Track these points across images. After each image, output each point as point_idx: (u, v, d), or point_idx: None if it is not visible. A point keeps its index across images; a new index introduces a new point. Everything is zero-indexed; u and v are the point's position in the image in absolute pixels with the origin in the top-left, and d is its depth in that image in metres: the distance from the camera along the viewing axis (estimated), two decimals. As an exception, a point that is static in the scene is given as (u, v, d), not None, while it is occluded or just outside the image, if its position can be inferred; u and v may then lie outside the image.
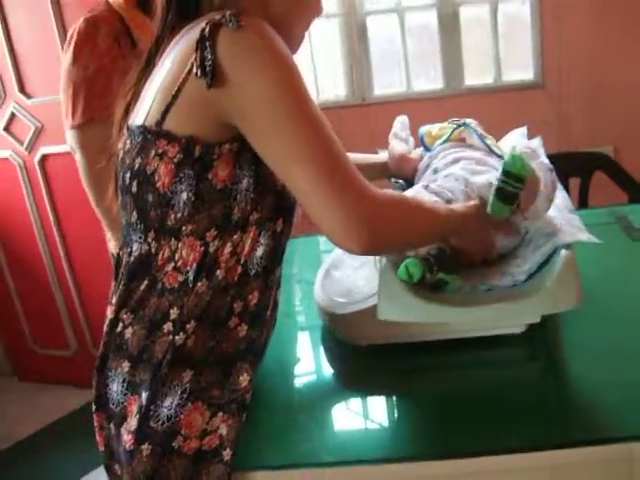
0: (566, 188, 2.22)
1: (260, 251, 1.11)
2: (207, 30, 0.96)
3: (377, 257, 1.36)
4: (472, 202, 1.19)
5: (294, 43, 1.16)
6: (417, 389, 1.24)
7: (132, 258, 1.10)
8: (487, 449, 1.05)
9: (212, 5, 1.06)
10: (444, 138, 1.47)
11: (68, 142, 2.13)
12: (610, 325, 1.31)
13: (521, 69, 3.27)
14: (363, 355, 1.33)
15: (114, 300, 1.13)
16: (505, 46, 3.25)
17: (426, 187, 1.27)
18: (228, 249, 1.08)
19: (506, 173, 1.13)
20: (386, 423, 1.19)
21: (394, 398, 1.24)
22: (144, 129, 1.05)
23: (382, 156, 1.60)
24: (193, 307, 1.06)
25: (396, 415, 1.21)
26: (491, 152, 1.42)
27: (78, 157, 2.10)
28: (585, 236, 1.16)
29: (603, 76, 3.15)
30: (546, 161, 1.42)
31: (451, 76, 3.28)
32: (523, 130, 1.61)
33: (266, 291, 1.13)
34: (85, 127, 2.04)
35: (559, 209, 1.29)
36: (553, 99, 3.15)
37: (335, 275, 1.49)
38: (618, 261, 1.54)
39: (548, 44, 3.16)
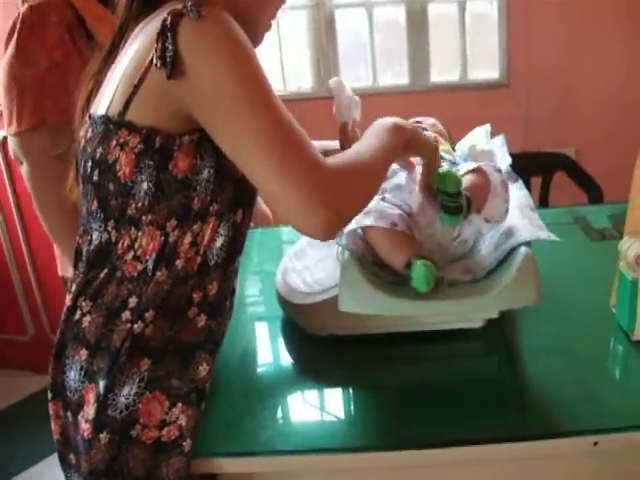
0: (528, 187, 2.25)
1: (220, 242, 1.12)
2: (168, 20, 0.96)
3: (339, 249, 1.37)
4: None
5: (259, 33, 1.17)
6: (376, 380, 1.25)
7: (92, 247, 1.10)
8: (444, 441, 1.07)
9: None
10: None
11: (12, 150, 1.79)
12: (566, 323, 1.34)
13: (487, 68, 3.30)
14: (323, 345, 1.34)
15: (73, 288, 1.13)
16: (472, 44, 3.28)
17: (382, 199, 1.29)
18: (188, 239, 1.08)
19: (442, 192, 1.18)
20: (344, 413, 1.20)
21: (353, 388, 1.25)
22: (106, 119, 1.05)
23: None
24: (152, 296, 1.06)
25: (354, 405, 1.22)
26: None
27: (25, 168, 1.76)
28: (545, 234, 1.18)
29: (568, 78, 3.20)
30: (506, 160, 1.45)
31: (417, 72, 3.30)
32: (487, 127, 1.63)
33: (225, 281, 1.14)
34: (34, 133, 1.71)
35: (520, 207, 1.31)
36: (518, 99, 3.18)
37: (297, 266, 1.50)
38: (576, 260, 1.57)
39: (515, 44, 3.19)
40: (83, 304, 1.10)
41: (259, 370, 1.35)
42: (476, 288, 1.17)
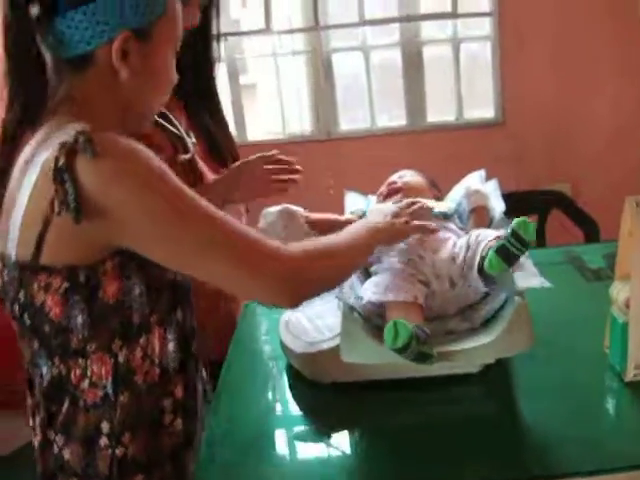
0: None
1: (171, 346, 1.14)
2: (62, 162, 0.94)
3: (340, 299, 1.41)
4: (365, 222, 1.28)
5: (149, 119, 1.19)
6: (377, 424, 1.28)
7: (45, 381, 1.09)
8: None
9: (57, 97, 1.06)
10: None
11: None
12: (561, 365, 1.36)
13: (482, 107, 3.37)
14: (325, 391, 1.36)
15: (37, 420, 1.12)
16: (467, 84, 3.34)
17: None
18: (139, 354, 1.09)
19: (515, 235, 1.17)
20: (347, 456, 1.23)
21: (355, 432, 1.28)
22: (19, 265, 1.03)
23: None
24: (123, 420, 1.08)
25: (357, 449, 1.24)
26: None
27: None
28: (538, 282, 1.22)
29: (562, 114, 3.26)
30: (499, 205, 1.51)
31: (414, 113, 3.36)
32: (481, 173, 1.67)
33: (190, 380, 1.18)
34: None
35: None
36: (512, 137, 3.24)
37: (299, 315, 1.52)
38: (571, 301, 1.59)
39: (508, 83, 3.26)
40: (56, 438, 1.09)
41: (263, 415, 1.37)
42: (473, 337, 1.21)
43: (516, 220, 1.18)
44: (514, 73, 3.24)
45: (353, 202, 1.70)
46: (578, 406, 1.25)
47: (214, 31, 1.65)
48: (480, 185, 1.60)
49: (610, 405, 1.30)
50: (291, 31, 3.24)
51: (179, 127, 1.60)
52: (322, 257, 1.12)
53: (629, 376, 1.27)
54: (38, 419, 1.12)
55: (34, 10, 1.01)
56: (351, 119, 3.42)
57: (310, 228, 1.60)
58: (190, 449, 1.15)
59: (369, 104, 3.37)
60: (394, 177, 1.68)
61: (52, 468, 1.11)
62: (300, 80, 3.34)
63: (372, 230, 1.23)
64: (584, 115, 3.25)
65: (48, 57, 1.05)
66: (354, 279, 1.36)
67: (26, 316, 1.06)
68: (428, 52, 3.32)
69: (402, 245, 1.37)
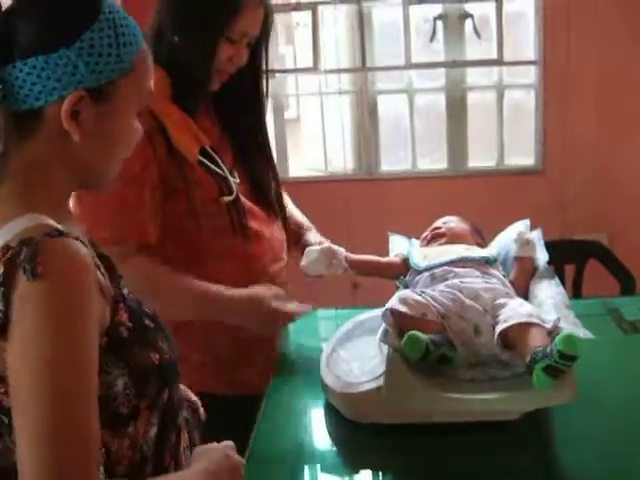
0: (562, 275, 2.32)
1: (153, 431, 1.06)
2: (2, 273, 0.87)
3: (385, 342, 1.45)
4: None
5: (106, 181, 1.06)
6: (413, 467, 1.30)
7: None
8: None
9: (9, 158, 0.97)
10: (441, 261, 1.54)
11: None
12: (599, 416, 1.37)
13: (523, 154, 3.40)
14: (363, 431, 1.38)
15: None
16: (509, 131, 3.37)
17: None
18: (126, 444, 1.01)
19: (561, 354, 1.17)
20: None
21: (390, 474, 1.31)
22: None
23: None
24: None
25: None
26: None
27: None
28: (581, 332, 1.24)
29: (602, 164, 3.27)
30: (544, 256, 1.54)
31: (455, 157, 3.40)
32: (526, 222, 1.71)
33: (163, 460, 1.09)
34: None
35: (556, 305, 1.38)
36: (552, 185, 3.26)
37: (341, 354, 1.55)
38: (609, 353, 1.59)
39: (550, 131, 3.28)
40: None
41: (302, 454, 1.39)
42: (514, 384, 1.23)
43: (561, 338, 1.18)
44: (556, 122, 3.26)
45: (397, 244, 1.74)
46: (617, 459, 1.26)
47: (263, 68, 1.66)
48: (531, 235, 1.63)
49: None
50: (338, 71, 3.28)
51: (223, 167, 1.59)
52: None
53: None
54: None
55: None
56: (393, 160, 3.47)
57: (351, 267, 1.65)
58: None
59: (411, 146, 3.41)
60: (439, 222, 1.72)
61: None
62: (345, 119, 3.38)
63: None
64: (624, 165, 3.27)
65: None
66: None
67: (2, 416, 0.94)
68: (472, 98, 3.36)
69: (442, 286, 1.43)
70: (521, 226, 1.70)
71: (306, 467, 1.36)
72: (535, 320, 1.27)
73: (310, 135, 3.44)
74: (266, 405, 1.51)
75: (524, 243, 1.59)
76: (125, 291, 1.04)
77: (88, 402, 0.90)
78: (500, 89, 3.33)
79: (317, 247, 1.64)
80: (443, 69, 3.30)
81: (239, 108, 1.68)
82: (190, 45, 1.51)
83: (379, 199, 3.35)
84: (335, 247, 1.63)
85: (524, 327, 1.26)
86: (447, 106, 3.35)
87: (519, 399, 1.22)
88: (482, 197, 3.21)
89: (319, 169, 3.39)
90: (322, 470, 1.34)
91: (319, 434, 1.45)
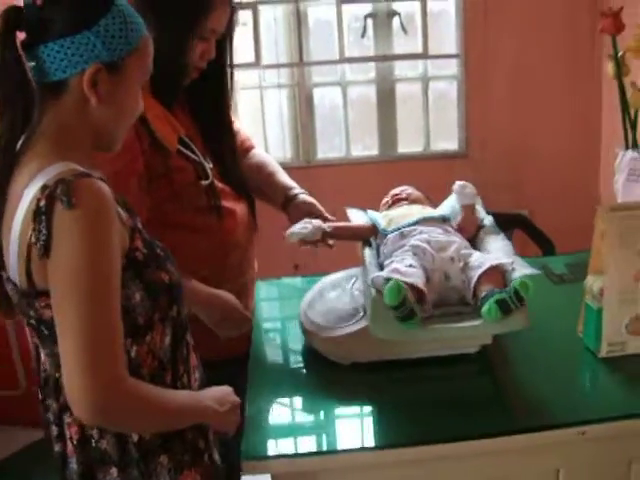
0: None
1: (167, 340, 1.27)
2: (42, 204, 1.07)
3: (355, 289, 1.66)
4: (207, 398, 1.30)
5: (117, 142, 1.27)
6: (391, 395, 1.51)
7: None
8: (451, 436, 1.36)
9: (40, 121, 1.17)
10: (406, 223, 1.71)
11: None
12: (544, 349, 1.64)
13: (447, 140, 3.58)
14: (343, 370, 1.59)
15: (67, 420, 1.23)
16: (434, 119, 3.55)
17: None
18: (144, 350, 1.22)
19: (516, 293, 1.40)
20: (367, 422, 1.48)
21: (371, 402, 1.51)
22: (21, 291, 1.16)
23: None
24: None
25: (376, 415, 1.48)
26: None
27: None
28: (531, 270, 1.47)
29: (520, 148, 3.50)
30: (488, 216, 1.77)
31: (386, 144, 3.57)
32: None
33: (178, 367, 1.30)
34: None
35: (507, 254, 1.60)
36: (475, 167, 3.42)
37: (317, 307, 1.74)
38: (544, 299, 1.76)
39: (472, 118, 3.49)
40: (93, 433, 1.21)
41: (292, 391, 1.60)
42: (478, 316, 1.46)
43: (519, 280, 1.40)
44: (476, 109, 3.46)
45: (355, 215, 1.88)
46: (564, 376, 1.53)
47: (227, 62, 1.77)
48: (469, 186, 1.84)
49: (587, 375, 1.58)
50: (277, 66, 3.41)
51: (198, 154, 1.73)
52: (151, 407, 1.16)
53: (603, 353, 1.55)
54: (70, 418, 1.22)
55: (21, 36, 1.15)
56: (328, 148, 3.59)
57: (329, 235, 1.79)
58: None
59: (345, 135, 3.55)
60: (396, 190, 1.93)
61: (91, 462, 1.23)
62: (283, 111, 3.51)
63: (207, 410, 1.27)
64: (539, 149, 3.50)
65: (33, 80, 1.16)
66: (373, 268, 1.59)
67: (42, 327, 1.18)
68: (400, 89, 3.52)
69: (412, 241, 1.62)
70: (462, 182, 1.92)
71: (301, 402, 1.56)
72: (503, 261, 1.49)
73: (248, 127, 3.55)
74: (252, 361, 1.67)
75: (463, 191, 1.79)
76: (140, 225, 1.26)
77: (115, 303, 1.11)
78: (425, 80, 3.51)
79: (308, 224, 1.73)
80: (373, 63, 3.46)
81: (206, 99, 1.79)
82: (166, 44, 1.54)
83: (317, 185, 3.36)
84: (319, 223, 1.74)
85: (492, 270, 1.48)
86: (377, 97, 3.51)
87: (484, 326, 1.44)
88: (411, 180, 3.30)
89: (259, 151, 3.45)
90: (316, 402, 1.53)
91: (305, 377, 1.63)
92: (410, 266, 1.51)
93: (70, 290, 1.08)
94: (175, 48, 1.61)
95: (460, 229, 1.72)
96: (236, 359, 1.72)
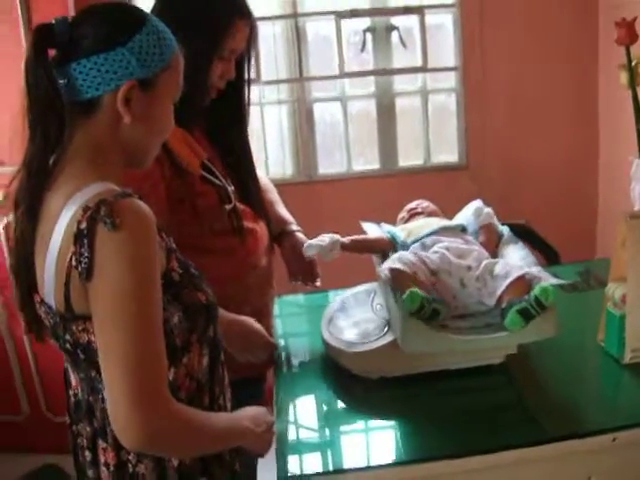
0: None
1: (205, 360, 1.26)
2: (84, 226, 1.05)
3: (376, 304, 1.67)
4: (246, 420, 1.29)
5: (148, 159, 1.27)
6: (419, 409, 1.52)
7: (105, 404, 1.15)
8: (482, 449, 1.36)
9: (72, 141, 1.16)
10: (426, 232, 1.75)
11: None
12: (566, 358, 1.66)
13: (447, 152, 3.60)
14: (370, 385, 1.59)
15: (102, 445, 1.20)
16: (434, 132, 3.57)
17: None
18: (182, 372, 1.20)
19: (537, 301, 1.42)
20: (397, 436, 1.47)
21: (403, 416, 1.51)
22: (58, 314, 1.13)
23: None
24: None
25: (406, 429, 1.48)
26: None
27: None
28: (557, 280, 1.50)
29: (518, 160, 3.53)
30: (504, 227, 1.79)
31: (386, 158, 3.59)
32: (479, 202, 1.96)
33: (215, 388, 1.29)
34: None
35: (528, 264, 1.62)
36: (476, 179, 3.48)
37: (339, 323, 1.75)
38: (559, 309, 1.83)
39: (471, 131, 3.51)
40: (129, 457, 1.19)
41: (319, 408, 1.61)
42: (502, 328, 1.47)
43: (539, 287, 1.43)
44: (476, 122, 3.49)
45: (370, 229, 1.90)
46: (586, 384, 1.55)
47: (246, 79, 1.75)
48: (486, 210, 1.88)
49: (612, 382, 1.59)
50: (277, 82, 3.41)
51: (220, 177, 1.71)
52: (196, 431, 1.15)
53: (627, 359, 1.56)
54: (105, 443, 1.19)
55: (53, 53, 1.13)
56: (329, 163, 3.60)
57: (344, 248, 1.80)
58: None
59: (346, 149, 3.56)
60: (412, 204, 1.95)
61: None
62: (283, 127, 3.51)
63: (246, 431, 1.26)
64: (538, 160, 3.53)
65: (64, 98, 1.14)
66: None
67: (79, 351, 1.15)
68: (400, 103, 3.54)
69: (435, 247, 1.63)
70: (477, 204, 1.95)
71: (333, 418, 1.55)
72: (528, 271, 1.50)
73: (253, 143, 3.54)
74: (279, 383, 1.68)
75: (481, 213, 1.83)
76: (174, 246, 1.25)
77: (159, 329, 1.09)
78: (425, 94, 3.54)
79: (326, 236, 1.76)
80: (373, 77, 3.47)
81: (226, 118, 1.78)
82: (186, 66, 1.52)
83: (319, 200, 3.48)
84: (337, 236, 1.77)
85: (519, 280, 1.50)
86: (377, 111, 3.53)
87: (518, 334, 1.45)
88: (413, 192, 3.30)
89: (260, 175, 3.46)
90: (346, 419, 1.54)
91: (331, 393, 1.63)
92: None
93: (114, 314, 1.06)
94: (195, 69, 1.57)
95: (485, 247, 1.73)
96: (254, 379, 1.74)
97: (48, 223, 1.12)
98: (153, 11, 1.64)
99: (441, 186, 3.41)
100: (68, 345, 1.16)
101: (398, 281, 1.52)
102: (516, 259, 1.66)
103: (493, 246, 1.76)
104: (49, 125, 1.14)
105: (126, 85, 1.13)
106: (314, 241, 1.74)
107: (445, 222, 1.78)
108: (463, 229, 1.76)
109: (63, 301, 1.11)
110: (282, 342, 1.87)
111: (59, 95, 1.13)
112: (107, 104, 1.14)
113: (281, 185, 3.51)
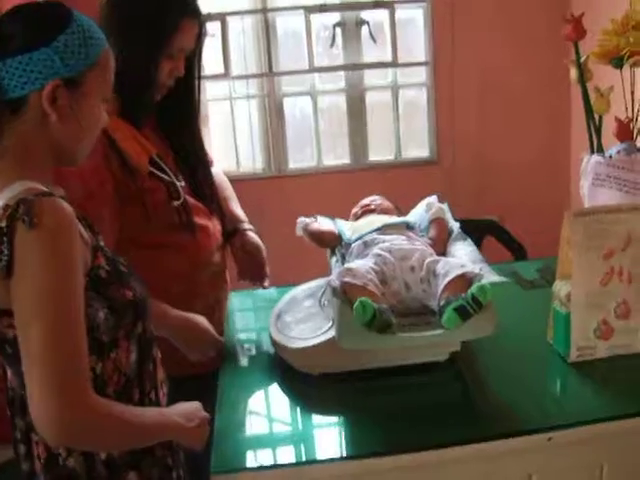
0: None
1: (133, 356, 1.25)
2: (3, 224, 1.06)
3: (324, 300, 1.65)
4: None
5: (82, 154, 1.25)
6: (361, 405, 1.49)
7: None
8: (421, 446, 1.34)
9: (2, 144, 1.15)
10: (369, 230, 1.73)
11: None
12: (513, 355, 1.63)
13: (418, 147, 3.61)
14: (312, 381, 1.57)
15: (35, 439, 1.21)
16: (404, 127, 3.58)
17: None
18: (110, 367, 1.21)
19: (474, 299, 1.39)
20: (340, 432, 1.45)
21: (344, 412, 1.49)
22: None
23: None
24: None
25: (347, 425, 1.46)
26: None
27: None
28: (498, 278, 1.48)
29: (489, 154, 3.55)
30: (455, 223, 1.78)
31: (357, 152, 3.59)
32: (434, 198, 1.95)
33: (145, 384, 1.29)
34: None
35: (473, 260, 1.61)
36: (446, 174, 3.50)
37: (286, 319, 1.73)
38: (515, 305, 1.85)
39: (441, 125, 3.53)
40: (60, 451, 1.19)
41: (262, 403, 1.58)
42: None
43: (477, 286, 1.40)
44: (446, 117, 3.51)
45: (324, 223, 1.88)
46: (533, 382, 1.52)
47: (196, 76, 1.74)
48: (438, 205, 1.87)
49: (559, 379, 1.58)
50: (246, 77, 3.41)
51: (169, 173, 1.69)
52: (119, 425, 1.14)
53: (572, 357, 1.55)
54: (37, 437, 1.20)
55: None
56: (300, 158, 3.60)
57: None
58: None
59: (316, 144, 3.57)
60: (366, 201, 1.93)
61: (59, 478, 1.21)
62: (253, 121, 3.52)
63: (175, 426, 1.25)
64: (509, 154, 3.54)
65: None
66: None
67: (6, 346, 1.16)
68: (370, 97, 3.55)
69: (375, 250, 1.62)
70: (432, 199, 1.94)
71: (272, 412, 1.53)
72: (468, 270, 1.49)
73: (219, 138, 3.55)
74: (222, 373, 1.65)
75: (432, 207, 1.81)
76: (102, 243, 1.25)
77: (79, 323, 1.09)
78: (395, 88, 3.54)
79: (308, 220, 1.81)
80: (343, 72, 3.48)
81: (176, 114, 1.77)
82: (134, 65, 1.56)
83: (289, 194, 3.50)
84: (306, 221, 1.82)
85: (459, 279, 1.47)
86: (348, 106, 3.54)
87: (456, 332, 1.43)
88: (383, 187, 3.32)
89: (230, 170, 3.49)
90: (286, 413, 1.51)
91: (275, 389, 1.60)
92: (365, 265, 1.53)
93: (33, 312, 1.06)
94: (143, 68, 1.60)
95: (433, 243, 1.71)
96: (204, 375, 1.70)
97: None
98: (101, 11, 1.63)
99: (412, 181, 3.45)
100: None
101: (349, 294, 1.49)
102: (462, 255, 1.64)
103: (442, 242, 1.74)
104: None
105: (51, 84, 1.13)
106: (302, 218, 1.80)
107: (388, 219, 1.76)
108: (408, 226, 1.74)
109: None
110: (233, 337, 1.85)
111: None
112: (33, 103, 1.14)
113: (252, 179, 3.60)
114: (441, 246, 1.74)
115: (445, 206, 1.88)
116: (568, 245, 1.53)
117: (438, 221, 1.79)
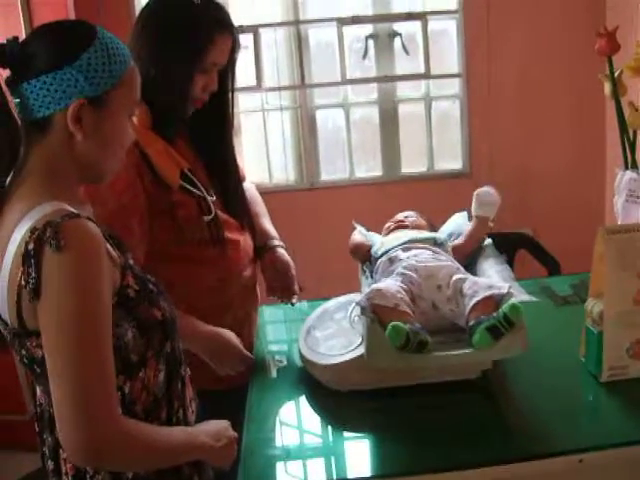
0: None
1: (162, 375, 1.25)
2: (31, 247, 1.06)
3: (354, 316, 1.64)
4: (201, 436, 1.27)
5: (108, 172, 1.25)
6: (392, 423, 1.48)
7: None
8: (456, 465, 1.33)
9: (26, 160, 1.17)
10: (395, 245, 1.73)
11: None
12: (545, 372, 1.61)
13: (451, 159, 3.58)
14: (343, 398, 1.57)
15: (63, 455, 1.21)
16: (437, 139, 3.55)
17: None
18: (139, 386, 1.21)
19: (506, 318, 1.38)
20: (369, 450, 1.44)
21: (373, 430, 1.48)
22: (12, 330, 1.15)
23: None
24: None
25: (376, 443, 1.46)
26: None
27: None
28: (528, 297, 1.47)
29: (524, 167, 3.50)
30: (488, 239, 1.76)
31: (389, 165, 3.57)
32: (464, 214, 1.93)
33: (173, 402, 1.28)
34: None
35: (504, 279, 1.59)
36: (479, 187, 3.43)
37: (316, 334, 1.73)
38: (547, 321, 1.83)
39: (475, 137, 3.49)
40: (87, 468, 1.19)
41: (290, 420, 1.58)
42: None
43: (508, 305, 1.39)
44: (480, 128, 3.47)
45: (359, 232, 1.90)
46: (565, 401, 1.50)
47: (229, 90, 1.76)
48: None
49: (590, 398, 1.55)
50: (279, 89, 3.41)
51: (201, 188, 1.70)
52: (146, 446, 1.15)
53: (604, 377, 1.52)
54: (65, 454, 1.20)
55: (5, 74, 1.15)
56: (332, 170, 3.59)
57: None
58: None
59: (348, 156, 3.56)
60: (400, 216, 1.92)
61: None
62: (286, 133, 3.51)
63: (203, 446, 1.25)
64: (542, 166, 3.50)
65: (20, 117, 1.16)
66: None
67: (35, 366, 1.16)
68: (403, 109, 3.53)
69: (400, 269, 1.61)
70: (462, 215, 1.92)
71: (302, 429, 1.54)
72: (495, 292, 1.47)
73: (252, 150, 3.55)
74: (252, 392, 1.65)
75: (483, 199, 1.81)
76: (131, 262, 1.25)
77: (106, 344, 1.10)
78: (428, 100, 3.52)
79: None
80: (375, 84, 3.47)
81: (209, 128, 1.77)
82: (167, 80, 1.58)
83: (321, 207, 3.50)
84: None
85: (486, 300, 1.46)
86: (380, 118, 3.52)
87: (487, 352, 1.42)
88: (415, 200, 3.32)
89: (263, 182, 3.50)
90: (315, 430, 1.52)
91: (304, 405, 1.60)
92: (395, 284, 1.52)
93: (60, 334, 1.07)
94: (177, 83, 1.61)
95: (463, 244, 1.73)
96: (234, 390, 1.70)
97: (2, 241, 1.14)
98: (135, 26, 1.66)
99: (444, 194, 3.41)
100: (25, 360, 1.17)
101: (380, 315, 1.48)
102: (492, 274, 1.63)
103: (478, 240, 1.76)
104: (3, 146, 1.15)
105: (75, 103, 1.13)
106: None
107: (416, 234, 1.75)
108: (436, 242, 1.72)
109: (16, 318, 1.12)
110: (263, 351, 1.85)
111: (12, 115, 1.15)
112: (59, 122, 1.15)
113: (284, 191, 3.60)
114: (475, 243, 1.76)
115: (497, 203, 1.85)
116: (601, 262, 1.51)
117: (482, 220, 1.79)
